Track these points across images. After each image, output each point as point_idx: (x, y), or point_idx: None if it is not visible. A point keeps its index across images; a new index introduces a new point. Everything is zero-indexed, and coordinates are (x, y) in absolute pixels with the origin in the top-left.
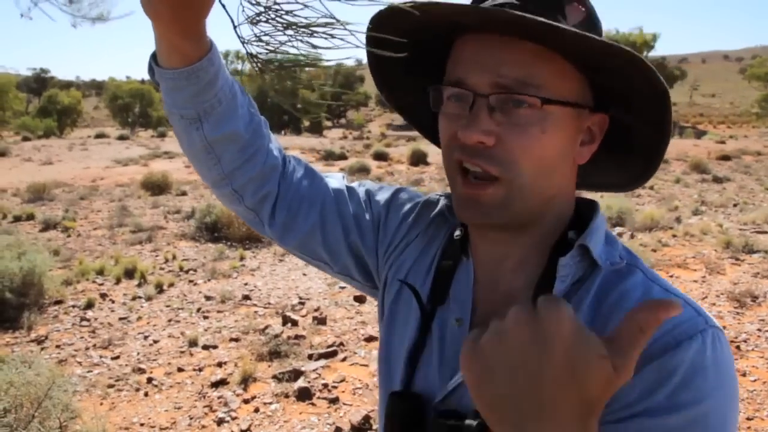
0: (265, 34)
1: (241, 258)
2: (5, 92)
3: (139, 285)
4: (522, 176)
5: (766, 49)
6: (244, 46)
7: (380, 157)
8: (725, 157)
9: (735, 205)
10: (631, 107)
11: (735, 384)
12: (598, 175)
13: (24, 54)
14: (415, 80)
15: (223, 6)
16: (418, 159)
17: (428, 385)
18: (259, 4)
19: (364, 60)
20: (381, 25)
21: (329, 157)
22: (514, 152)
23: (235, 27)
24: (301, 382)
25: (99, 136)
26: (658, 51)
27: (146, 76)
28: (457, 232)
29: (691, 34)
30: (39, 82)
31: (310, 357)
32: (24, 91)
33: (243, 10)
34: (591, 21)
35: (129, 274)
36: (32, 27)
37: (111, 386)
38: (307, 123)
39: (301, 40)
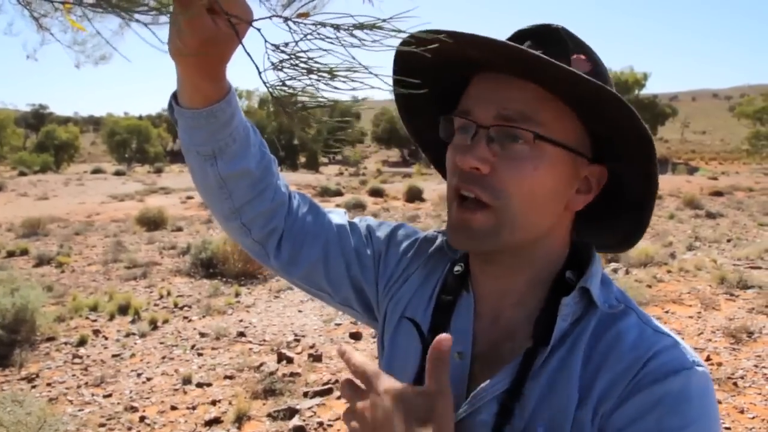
0: (290, 78)
1: (237, 294)
2: (3, 128)
3: (133, 321)
4: (511, 206)
5: (753, 88)
6: (268, 90)
7: (376, 193)
8: (718, 193)
9: (729, 241)
10: (622, 156)
11: (717, 416)
12: (595, 237)
13: (24, 90)
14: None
15: (249, 54)
16: (414, 195)
17: None
18: (284, 51)
19: (360, 97)
20: (405, 62)
21: (325, 193)
22: (505, 182)
23: (260, 73)
24: (296, 421)
25: (95, 171)
26: (649, 89)
27: (143, 112)
28: (458, 267)
29: (681, 73)
30: (37, 118)
31: (305, 395)
32: (22, 126)
33: (268, 57)
34: (596, 74)
35: (123, 310)
36: (33, 64)
37: (102, 425)
38: (303, 159)
39: (324, 83)
